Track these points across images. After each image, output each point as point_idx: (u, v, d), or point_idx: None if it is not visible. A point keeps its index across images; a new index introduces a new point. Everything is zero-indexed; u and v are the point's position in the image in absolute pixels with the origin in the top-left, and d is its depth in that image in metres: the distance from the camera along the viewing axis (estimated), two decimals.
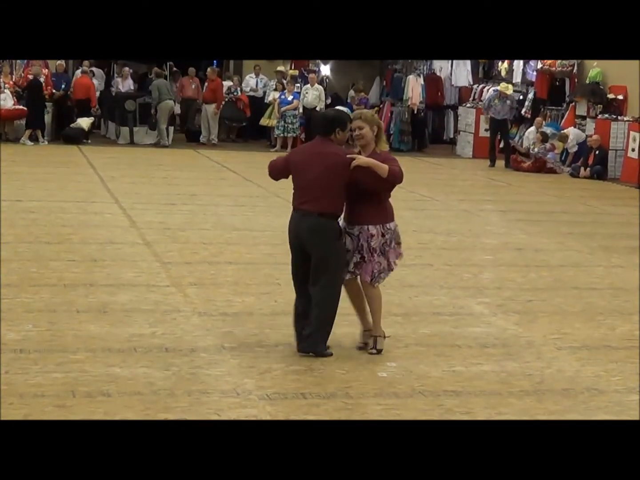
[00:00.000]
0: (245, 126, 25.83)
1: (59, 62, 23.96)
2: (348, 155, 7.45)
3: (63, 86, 23.69)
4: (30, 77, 22.46)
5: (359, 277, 7.70)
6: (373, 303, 7.73)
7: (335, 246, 7.55)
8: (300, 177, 7.61)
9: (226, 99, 25.01)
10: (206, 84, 24.99)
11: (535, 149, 22.45)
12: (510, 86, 23.69)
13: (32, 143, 22.18)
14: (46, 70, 22.99)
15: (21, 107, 22.28)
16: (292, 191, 7.73)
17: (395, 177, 7.50)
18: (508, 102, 23.07)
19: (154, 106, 23.45)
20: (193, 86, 24.79)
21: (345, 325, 8.05)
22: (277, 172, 7.90)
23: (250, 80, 26.17)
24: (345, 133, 7.59)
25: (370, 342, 7.73)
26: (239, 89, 25.52)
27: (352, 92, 25.85)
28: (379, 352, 7.67)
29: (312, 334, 7.54)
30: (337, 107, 24.64)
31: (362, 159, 7.43)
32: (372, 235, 7.57)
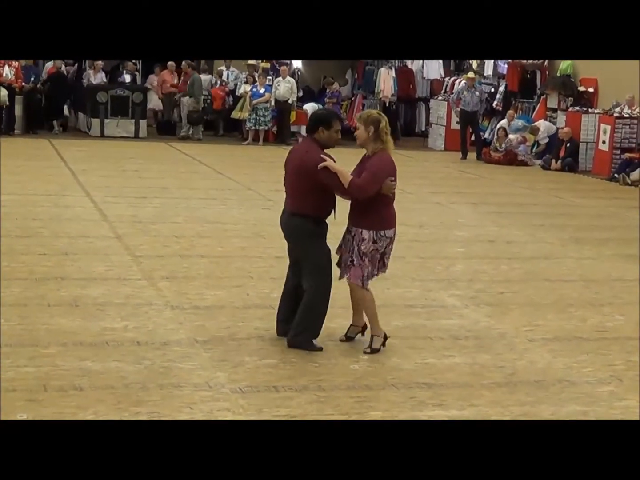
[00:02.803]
0: (213, 120, 25.70)
1: None
2: (321, 156, 7.35)
3: (32, 78, 23.51)
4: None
5: (348, 278, 7.70)
6: (364, 305, 7.71)
7: (307, 245, 7.56)
8: (285, 176, 7.73)
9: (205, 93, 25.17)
10: (182, 77, 24.97)
11: (503, 145, 22.53)
12: (472, 73, 23.98)
13: (59, 130, 23.83)
14: (16, 62, 22.78)
15: None
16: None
17: (357, 192, 7.34)
18: (477, 93, 23.17)
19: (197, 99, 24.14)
20: (175, 80, 24.72)
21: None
22: None
23: (222, 73, 26.09)
24: (332, 132, 7.49)
25: (369, 341, 7.69)
26: (219, 82, 25.49)
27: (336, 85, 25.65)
28: (373, 351, 7.58)
29: (300, 332, 7.56)
30: (310, 104, 24.71)
31: (329, 163, 7.32)
32: (363, 240, 7.51)
